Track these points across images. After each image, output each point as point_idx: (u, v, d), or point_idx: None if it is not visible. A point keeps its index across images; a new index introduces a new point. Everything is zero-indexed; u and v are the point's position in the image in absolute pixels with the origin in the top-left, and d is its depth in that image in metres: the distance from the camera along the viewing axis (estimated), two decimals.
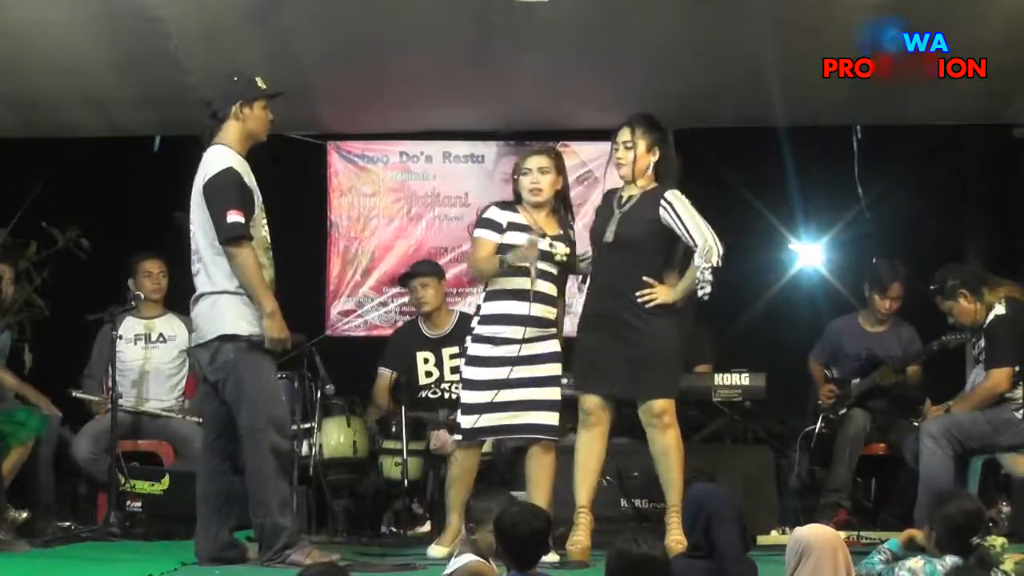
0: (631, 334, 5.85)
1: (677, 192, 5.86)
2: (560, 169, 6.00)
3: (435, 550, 5.90)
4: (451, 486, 6.02)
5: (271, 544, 5.42)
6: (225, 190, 5.47)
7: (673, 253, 5.90)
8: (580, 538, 5.85)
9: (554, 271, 5.92)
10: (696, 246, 5.74)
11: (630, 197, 5.94)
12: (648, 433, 5.90)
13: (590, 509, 5.93)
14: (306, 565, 4.63)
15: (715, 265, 5.71)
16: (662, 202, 5.83)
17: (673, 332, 5.89)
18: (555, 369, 5.97)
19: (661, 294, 5.83)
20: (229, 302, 5.49)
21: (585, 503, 5.92)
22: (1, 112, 7.43)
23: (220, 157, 5.55)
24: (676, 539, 5.56)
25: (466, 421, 5.93)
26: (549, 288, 5.92)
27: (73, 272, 6.51)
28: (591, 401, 5.93)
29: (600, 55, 6.96)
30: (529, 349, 5.87)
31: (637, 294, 5.84)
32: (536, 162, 5.99)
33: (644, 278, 5.84)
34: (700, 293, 5.74)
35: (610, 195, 6.07)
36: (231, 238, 5.44)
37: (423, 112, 7.84)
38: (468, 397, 5.94)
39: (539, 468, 5.93)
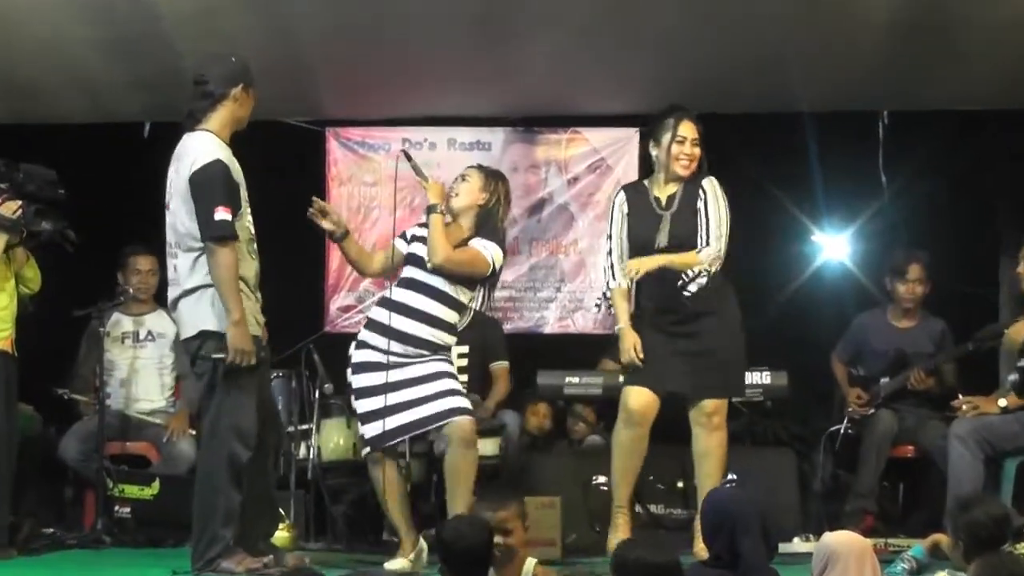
0: (691, 328, 5.85)
1: (715, 182, 5.90)
2: (486, 188, 5.84)
3: (397, 563, 5.63)
4: (385, 503, 5.76)
5: (204, 553, 5.34)
6: (213, 184, 5.32)
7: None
8: (621, 538, 5.73)
9: (430, 283, 5.74)
10: (708, 245, 5.78)
11: (671, 196, 5.93)
12: (694, 431, 5.89)
13: (629, 508, 5.96)
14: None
15: (709, 272, 5.77)
16: (699, 191, 5.88)
17: (734, 330, 5.92)
18: (441, 366, 5.71)
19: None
20: (215, 297, 5.34)
21: (623, 503, 5.94)
22: None
23: (206, 146, 5.40)
24: (704, 547, 5.35)
25: (370, 430, 5.68)
26: (427, 305, 5.75)
27: (59, 265, 6.40)
28: (639, 401, 5.85)
29: (612, 36, 6.90)
30: (402, 373, 5.65)
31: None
32: (464, 171, 5.96)
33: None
34: (686, 291, 5.76)
35: (637, 195, 5.99)
36: (217, 236, 5.29)
37: (426, 97, 7.75)
38: (363, 406, 5.72)
39: (453, 461, 5.65)
